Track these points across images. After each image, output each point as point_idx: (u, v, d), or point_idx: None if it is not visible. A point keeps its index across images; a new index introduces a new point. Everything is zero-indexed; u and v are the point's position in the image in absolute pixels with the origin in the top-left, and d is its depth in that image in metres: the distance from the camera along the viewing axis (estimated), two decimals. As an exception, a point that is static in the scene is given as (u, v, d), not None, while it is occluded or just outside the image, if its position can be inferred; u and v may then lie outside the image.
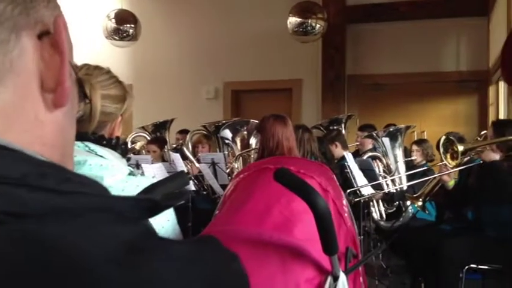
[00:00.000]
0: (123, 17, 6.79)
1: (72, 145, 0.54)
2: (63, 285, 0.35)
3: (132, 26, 6.76)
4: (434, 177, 3.77)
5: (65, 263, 0.36)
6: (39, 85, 0.46)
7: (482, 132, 4.57)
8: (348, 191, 3.70)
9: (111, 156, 1.38)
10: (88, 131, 1.38)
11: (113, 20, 6.73)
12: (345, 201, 1.64)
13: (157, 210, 0.46)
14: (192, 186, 4.05)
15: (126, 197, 0.44)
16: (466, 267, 3.15)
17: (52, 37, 0.47)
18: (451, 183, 3.56)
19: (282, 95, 7.65)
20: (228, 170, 4.24)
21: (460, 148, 3.23)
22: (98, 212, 0.40)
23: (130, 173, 1.39)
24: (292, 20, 6.41)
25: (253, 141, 4.25)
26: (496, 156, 3.18)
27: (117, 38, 6.76)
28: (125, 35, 6.78)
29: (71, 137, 0.53)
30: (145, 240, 0.41)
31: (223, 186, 3.62)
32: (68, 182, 0.41)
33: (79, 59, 1.46)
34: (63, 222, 0.38)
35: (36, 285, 0.35)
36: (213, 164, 4.19)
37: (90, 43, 7.00)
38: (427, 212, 3.89)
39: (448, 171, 3.53)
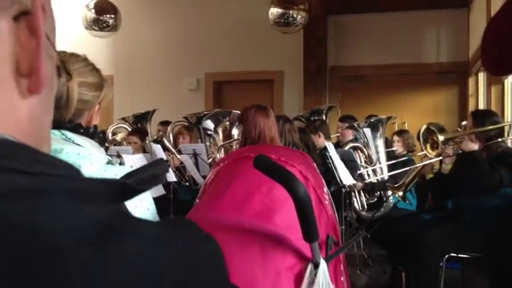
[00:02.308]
0: (103, 7, 6.70)
1: (48, 131, 0.52)
2: (30, 264, 0.34)
3: (112, 16, 6.68)
4: (415, 168, 3.80)
5: (32, 242, 0.34)
6: (14, 69, 0.44)
7: (463, 123, 4.61)
8: (329, 181, 3.72)
9: (88, 145, 1.36)
10: (65, 119, 1.36)
11: (93, 10, 6.63)
12: (325, 190, 1.64)
13: (129, 193, 0.45)
14: (173, 177, 4.03)
15: (98, 179, 0.43)
16: (446, 256, 3.19)
17: (29, 18, 0.44)
18: (429, 175, 3.59)
19: (263, 86, 7.64)
20: (209, 161, 4.23)
21: (440, 138, 3.26)
22: (69, 192, 0.39)
23: (109, 162, 1.37)
24: (274, 11, 6.39)
25: (235, 131, 4.24)
26: (475, 146, 3.21)
27: (96, 28, 6.67)
28: (104, 25, 6.69)
29: (47, 123, 0.51)
30: (117, 220, 0.40)
31: (205, 177, 3.61)
32: (38, 164, 0.40)
33: (58, 49, 1.43)
34: (31, 202, 0.36)
35: (1, 264, 0.33)
36: (195, 155, 4.17)
37: (70, 33, 6.90)
38: (407, 201, 3.93)
39: (428, 161, 3.56)
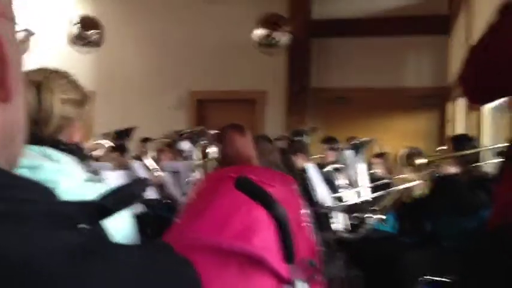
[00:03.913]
0: (87, 23, 6.70)
1: (19, 139, 0.50)
2: None
3: (96, 32, 6.68)
4: (395, 190, 3.84)
5: (5, 267, 0.34)
6: None
7: (439, 148, 4.68)
8: (309, 202, 3.72)
9: (68, 161, 1.35)
10: (45, 135, 1.34)
11: (77, 26, 6.63)
12: (305, 212, 1.65)
13: (106, 213, 0.45)
14: (154, 195, 4.00)
15: (72, 202, 0.43)
16: (421, 278, 3.20)
17: None
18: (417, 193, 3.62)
19: (246, 106, 7.67)
20: (189, 179, 4.21)
21: (420, 161, 3.30)
22: (42, 217, 0.39)
23: (88, 179, 1.36)
24: (258, 32, 6.45)
25: (211, 150, 4.23)
26: (454, 170, 3.26)
27: (80, 43, 6.66)
28: (88, 41, 6.68)
29: (16, 132, 0.49)
30: (93, 244, 0.40)
31: (185, 195, 3.60)
32: (12, 188, 0.39)
33: (41, 65, 1.43)
34: (4, 227, 0.36)
35: None
36: (175, 173, 4.16)
37: (53, 48, 6.87)
38: (386, 224, 3.95)
39: (407, 184, 3.60)
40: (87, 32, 6.65)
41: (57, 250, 0.37)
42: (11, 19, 0.47)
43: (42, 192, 0.43)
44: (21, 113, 0.50)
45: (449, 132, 6.52)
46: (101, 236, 0.43)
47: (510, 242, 0.92)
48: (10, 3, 0.48)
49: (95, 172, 3.45)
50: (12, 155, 0.49)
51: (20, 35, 0.50)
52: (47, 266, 0.35)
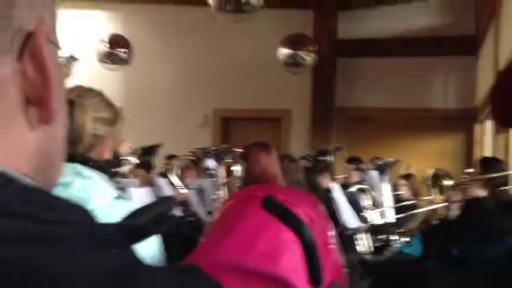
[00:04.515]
0: (116, 41, 6.83)
1: (57, 160, 0.51)
2: None
3: (125, 50, 6.80)
4: (420, 212, 3.78)
5: None
6: (24, 103, 0.44)
7: (468, 170, 4.61)
8: (335, 223, 3.69)
9: (98, 179, 1.37)
10: (77, 152, 1.37)
11: (106, 44, 6.76)
12: (331, 233, 1.63)
13: (142, 236, 0.45)
14: (178, 212, 4.01)
15: (109, 224, 0.44)
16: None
17: (34, 52, 0.43)
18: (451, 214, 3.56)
19: (270, 125, 7.68)
20: (214, 197, 4.21)
21: (448, 183, 3.26)
22: (81, 239, 0.39)
23: (118, 197, 1.38)
24: (283, 51, 6.49)
25: (236, 168, 4.24)
26: (482, 193, 3.20)
27: (109, 61, 6.78)
28: (117, 58, 6.81)
29: (56, 153, 0.51)
30: (130, 268, 0.40)
31: (210, 213, 3.60)
32: (51, 210, 0.40)
33: (71, 81, 1.46)
34: (44, 249, 0.36)
35: None
36: (200, 191, 4.17)
37: (83, 66, 7.01)
38: (412, 247, 3.89)
39: (434, 206, 3.55)
40: (116, 50, 6.77)
41: (93, 273, 0.37)
42: (55, 43, 0.48)
43: (82, 214, 0.43)
44: (61, 134, 0.51)
45: (476, 154, 6.42)
46: (135, 258, 0.44)
47: None
48: (54, 28, 0.49)
49: (122, 189, 3.49)
50: (52, 176, 0.50)
51: (63, 60, 0.52)
52: (84, 287, 0.35)
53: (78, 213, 0.43)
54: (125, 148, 3.50)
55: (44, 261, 0.36)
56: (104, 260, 0.39)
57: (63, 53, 0.57)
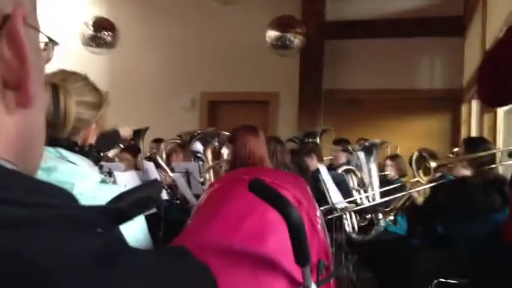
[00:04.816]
0: (101, 24, 6.75)
1: (38, 143, 0.51)
2: None
3: (110, 33, 6.72)
4: (407, 192, 3.82)
5: (26, 275, 0.34)
6: (1, 87, 0.43)
7: (455, 150, 4.65)
8: (322, 206, 3.72)
9: (83, 163, 1.36)
10: (61, 137, 1.36)
11: (91, 27, 6.68)
12: (318, 213, 1.65)
13: (124, 218, 0.45)
14: (165, 196, 4.01)
15: (92, 207, 0.43)
16: (435, 281, 3.18)
17: (11, 34, 0.43)
18: (419, 199, 3.60)
19: (258, 108, 7.68)
20: (201, 180, 4.22)
21: (432, 164, 3.29)
22: (63, 222, 0.39)
23: (102, 181, 1.37)
24: (271, 34, 6.45)
25: (224, 151, 4.24)
26: (467, 172, 3.24)
27: (94, 45, 6.71)
28: (102, 42, 6.73)
29: (37, 136, 0.50)
30: (113, 250, 0.40)
31: (197, 196, 3.60)
32: (33, 193, 0.40)
33: (55, 65, 1.44)
34: (24, 234, 0.36)
35: None
36: (187, 174, 4.17)
37: (67, 49, 6.93)
38: (398, 225, 3.94)
39: (421, 188, 3.58)
40: (101, 33, 6.70)
41: (78, 255, 0.37)
42: (34, 26, 0.47)
43: (64, 197, 0.43)
44: (41, 118, 0.50)
45: (463, 134, 6.48)
46: (120, 241, 0.44)
47: None
48: (34, 11, 0.48)
49: (108, 173, 3.47)
50: (33, 160, 0.49)
51: (42, 44, 0.51)
52: (68, 271, 0.35)
53: (61, 197, 0.42)
54: (126, 131, 3.49)
55: (26, 246, 0.35)
56: (87, 243, 0.39)
57: (44, 37, 0.56)
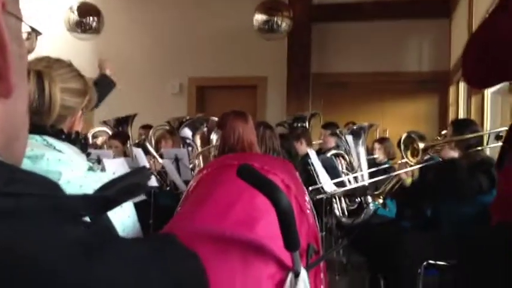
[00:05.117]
0: (86, 10, 6.65)
1: (22, 131, 0.50)
2: (11, 286, 0.33)
3: (95, 18, 6.63)
4: (395, 175, 3.84)
5: (10, 264, 0.34)
6: None
7: (443, 132, 4.68)
8: (311, 188, 3.74)
9: (69, 151, 1.35)
10: (46, 124, 1.34)
11: (76, 13, 6.59)
12: (307, 198, 1.65)
13: (110, 205, 0.45)
14: (154, 182, 4.00)
15: (78, 196, 0.43)
16: (424, 263, 3.22)
17: None
18: (408, 180, 3.62)
19: (246, 92, 7.66)
20: (191, 166, 4.22)
21: (421, 146, 3.30)
22: (47, 212, 0.38)
23: (90, 169, 1.36)
24: (258, 17, 6.42)
25: (213, 137, 4.23)
26: (455, 154, 3.26)
27: (79, 30, 6.62)
28: (87, 27, 6.64)
29: (20, 125, 0.49)
30: (99, 239, 0.40)
31: (186, 182, 3.60)
32: (14, 183, 0.39)
33: (39, 52, 1.42)
34: (8, 225, 0.36)
35: None
36: (176, 160, 4.16)
37: (52, 35, 6.84)
38: (387, 209, 3.96)
39: (409, 169, 3.60)
40: (86, 18, 6.61)
41: (62, 245, 0.36)
42: (15, 15, 0.46)
43: (47, 186, 0.42)
44: (23, 108, 0.50)
45: (451, 116, 6.52)
46: (106, 229, 0.43)
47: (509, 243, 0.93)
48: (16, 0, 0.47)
49: (97, 160, 3.46)
50: (17, 150, 0.49)
51: (25, 34, 0.50)
52: (51, 261, 0.35)
53: (44, 186, 0.42)
54: (108, 68, 3.41)
55: (5, 236, 0.35)
56: (71, 232, 0.38)
57: (26, 27, 0.55)
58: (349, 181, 4.42)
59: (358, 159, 4.62)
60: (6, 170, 0.41)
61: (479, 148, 3.37)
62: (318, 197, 3.74)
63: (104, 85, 3.02)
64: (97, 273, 0.37)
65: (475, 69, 1.24)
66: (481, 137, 3.46)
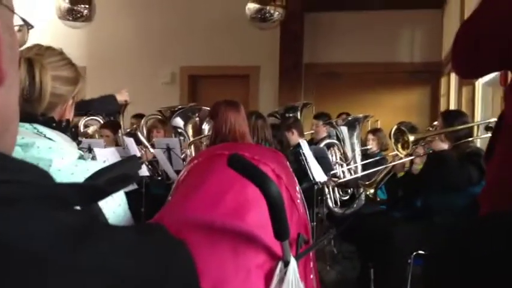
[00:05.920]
0: (78, -3, 6.58)
1: (12, 120, 0.50)
2: (3, 273, 0.33)
3: (86, 6, 6.57)
4: (387, 166, 3.86)
5: (4, 251, 0.34)
6: None
7: (434, 123, 4.70)
8: (304, 186, 3.75)
9: (60, 139, 1.35)
10: (37, 112, 1.34)
11: (67, 0, 6.52)
12: (297, 188, 1.66)
13: (102, 195, 0.45)
14: (146, 171, 4.00)
15: (67, 184, 0.43)
16: (414, 253, 3.24)
17: None
18: (400, 174, 3.65)
19: (239, 82, 7.64)
20: (183, 156, 4.21)
21: (411, 138, 3.32)
22: (38, 199, 0.39)
23: (81, 157, 1.36)
24: (251, 6, 6.39)
25: (205, 127, 4.23)
26: (445, 146, 3.28)
27: (70, 18, 6.56)
28: (78, 15, 6.58)
29: (11, 113, 0.49)
30: (89, 226, 0.40)
31: (178, 172, 3.60)
32: (5, 171, 0.39)
33: (31, 40, 1.41)
34: None
35: None
36: (168, 149, 4.15)
37: (42, 23, 6.77)
38: (378, 199, 3.98)
39: (400, 161, 3.62)
40: (78, 6, 6.54)
41: (50, 232, 0.36)
42: (6, 5, 0.47)
43: (37, 174, 0.42)
44: (14, 98, 0.50)
45: (442, 107, 6.55)
46: (95, 217, 0.43)
47: (496, 235, 0.94)
48: None
49: (88, 149, 3.44)
50: (7, 139, 0.49)
51: (17, 27, 0.50)
52: (40, 248, 0.35)
53: (33, 174, 0.42)
54: (123, 96, 3.42)
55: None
56: (58, 219, 0.38)
57: (18, 19, 0.54)
58: (343, 172, 4.44)
59: (353, 150, 4.64)
60: None
61: (469, 139, 3.39)
62: (308, 186, 3.75)
63: (107, 102, 3.03)
64: (87, 260, 0.37)
65: (463, 60, 1.25)
66: (471, 128, 3.48)
